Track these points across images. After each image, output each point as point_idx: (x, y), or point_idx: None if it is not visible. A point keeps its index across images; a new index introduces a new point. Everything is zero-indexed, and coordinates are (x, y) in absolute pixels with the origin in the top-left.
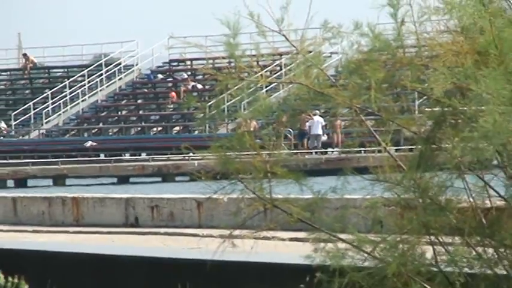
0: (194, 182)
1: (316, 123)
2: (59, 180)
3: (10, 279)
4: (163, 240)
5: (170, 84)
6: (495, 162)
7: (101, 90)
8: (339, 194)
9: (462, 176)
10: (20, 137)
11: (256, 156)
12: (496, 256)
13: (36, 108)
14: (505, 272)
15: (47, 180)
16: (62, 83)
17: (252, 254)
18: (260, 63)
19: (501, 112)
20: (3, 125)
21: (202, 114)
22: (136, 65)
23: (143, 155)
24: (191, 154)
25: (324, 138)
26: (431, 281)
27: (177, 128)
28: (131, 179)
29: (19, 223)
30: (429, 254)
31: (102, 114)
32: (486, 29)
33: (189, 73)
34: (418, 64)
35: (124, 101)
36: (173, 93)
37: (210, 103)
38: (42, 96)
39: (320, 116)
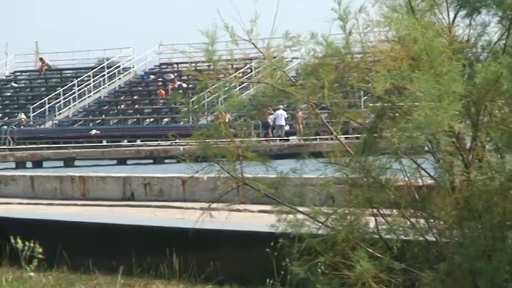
0: (180, 164)
1: (280, 116)
2: (68, 162)
3: (27, 243)
4: (154, 211)
5: (160, 84)
6: (426, 148)
7: (103, 88)
8: (298, 174)
9: (399, 160)
10: (37, 126)
11: (230, 142)
12: (427, 226)
13: (50, 102)
14: (434, 239)
15: (59, 162)
16: (71, 82)
17: (226, 223)
18: (234, 66)
19: (431, 107)
20: (23, 116)
21: (186, 108)
22: (133, 67)
23: (138, 141)
24: (177, 141)
25: (287, 128)
26: (373, 246)
27: (166, 119)
28: (128, 161)
29: (36, 197)
30: (372, 224)
31: (105, 108)
32: (418, 39)
33: (176, 74)
34: (363, 67)
35: (122, 97)
36: (162, 91)
37: (192, 99)
38: (55, 93)
39: (283, 110)
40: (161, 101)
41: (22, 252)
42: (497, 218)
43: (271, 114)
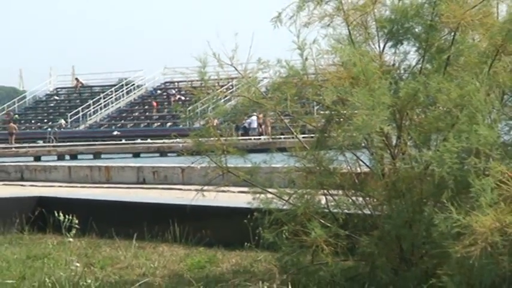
0: (180, 157)
1: (254, 121)
2: (97, 155)
3: (66, 216)
4: (160, 192)
5: (165, 97)
6: (363, 144)
7: (122, 100)
8: (268, 164)
9: (343, 153)
10: (73, 129)
11: (217, 141)
12: (364, 202)
13: (83, 111)
14: (369, 212)
15: (89, 156)
16: (99, 95)
17: (214, 201)
18: (219, 84)
19: (367, 114)
20: (63, 121)
21: (184, 115)
22: (144, 85)
23: (148, 140)
24: (178, 139)
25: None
26: (324, 218)
27: (169, 123)
28: (141, 155)
29: (72, 182)
30: (323, 201)
31: (123, 115)
32: (357, 63)
33: (177, 90)
34: (316, 84)
35: (136, 107)
36: (154, 103)
37: (189, 108)
38: (86, 104)
39: (257, 116)
40: (155, 114)
41: (62, 223)
42: (416, 196)
43: (247, 119)
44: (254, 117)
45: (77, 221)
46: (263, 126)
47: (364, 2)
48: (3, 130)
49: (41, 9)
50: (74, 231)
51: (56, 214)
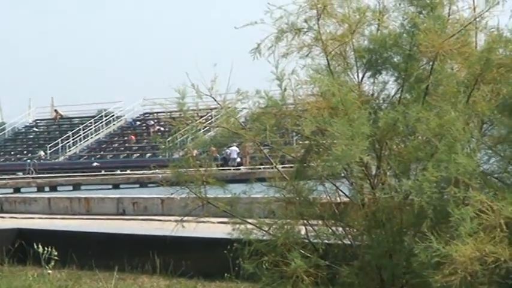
0: (159, 187)
1: (233, 151)
2: (76, 186)
3: (46, 248)
4: (140, 223)
5: (144, 128)
6: (342, 174)
7: (102, 131)
8: (247, 195)
9: (322, 183)
10: (53, 160)
11: (196, 171)
12: (344, 232)
13: (63, 142)
14: (349, 242)
15: (69, 187)
16: (78, 127)
17: (194, 232)
18: (198, 114)
19: (346, 144)
20: (42, 153)
21: (163, 146)
22: (123, 116)
23: (128, 171)
24: (157, 170)
25: (238, 160)
26: (304, 248)
27: (149, 154)
28: (121, 186)
29: (52, 213)
30: (303, 231)
31: (103, 146)
32: (336, 93)
33: (156, 121)
34: (295, 115)
35: (116, 138)
36: (132, 137)
37: (168, 139)
38: (66, 135)
39: (236, 146)
40: (132, 146)
41: (42, 255)
42: (396, 226)
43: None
44: (234, 148)
45: (56, 253)
46: (243, 158)
47: (343, 32)
48: None
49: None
50: (53, 263)
51: (36, 246)
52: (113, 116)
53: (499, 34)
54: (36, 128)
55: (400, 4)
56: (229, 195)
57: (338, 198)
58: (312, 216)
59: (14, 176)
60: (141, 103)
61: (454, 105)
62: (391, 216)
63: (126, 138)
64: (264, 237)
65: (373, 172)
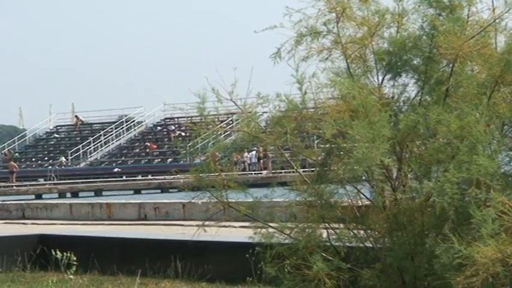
0: (181, 192)
1: (254, 156)
2: (98, 192)
3: (64, 253)
4: (162, 228)
5: (165, 133)
6: (363, 177)
7: (123, 137)
8: (268, 198)
9: (343, 186)
10: (74, 166)
11: (218, 176)
12: (365, 235)
13: (84, 148)
14: (371, 245)
15: (90, 193)
16: (99, 133)
17: (216, 236)
18: (219, 119)
19: (367, 147)
20: (63, 159)
21: (184, 151)
22: (144, 121)
23: (149, 176)
24: (178, 175)
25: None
26: (326, 251)
27: (170, 159)
28: (142, 191)
29: (73, 219)
30: (324, 235)
31: (124, 151)
32: (356, 96)
33: (176, 126)
34: (315, 118)
35: (137, 144)
36: (153, 146)
37: (189, 144)
38: (87, 141)
39: (256, 151)
40: (153, 151)
41: (61, 260)
42: (417, 228)
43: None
44: (254, 152)
45: (75, 258)
46: (261, 161)
47: (362, 35)
48: (4, 169)
49: (40, 46)
50: (74, 269)
51: (56, 252)
52: (133, 121)
53: None
54: (57, 134)
55: (419, 6)
56: (250, 199)
57: (359, 201)
58: (333, 219)
59: (35, 183)
60: (161, 108)
61: (475, 107)
62: (413, 219)
63: (147, 143)
64: (286, 241)
65: (394, 174)
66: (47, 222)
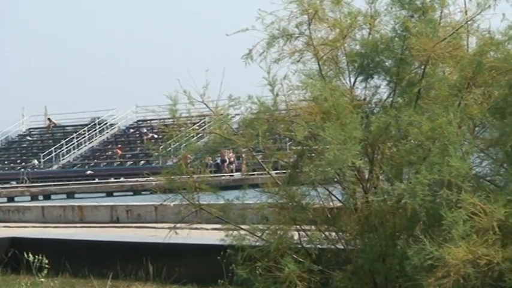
0: (153, 195)
1: (226, 158)
2: (70, 195)
3: (36, 256)
4: (134, 231)
5: (138, 135)
6: (335, 179)
7: (95, 139)
8: (240, 201)
9: (315, 188)
10: (46, 169)
11: (189, 178)
12: (337, 237)
13: (56, 151)
14: (342, 247)
15: (63, 195)
16: (72, 135)
17: (188, 238)
18: (191, 121)
19: (338, 149)
20: (36, 162)
21: (157, 153)
22: (117, 124)
23: (122, 178)
24: (151, 177)
25: (231, 166)
26: (297, 253)
27: (142, 162)
28: (114, 194)
29: (45, 222)
30: (296, 237)
31: (96, 154)
32: (328, 98)
33: (149, 128)
34: (287, 120)
35: (109, 146)
36: (118, 151)
37: (161, 146)
38: (59, 144)
39: (229, 153)
40: (116, 157)
41: (33, 263)
42: (389, 230)
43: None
44: (227, 154)
45: (47, 261)
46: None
47: (334, 37)
48: None
49: (11, 48)
50: (45, 272)
51: (27, 255)
52: (106, 123)
53: (491, 37)
54: (30, 136)
55: (391, 8)
56: (222, 202)
57: (331, 203)
58: (305, 221)
59: (7, 185)
60: (134, 110)
61: (446, 109)
62: (384, 220)
63: (119, 145)
64: (257, 243)
65: (366, 176)
66: (19, 225)
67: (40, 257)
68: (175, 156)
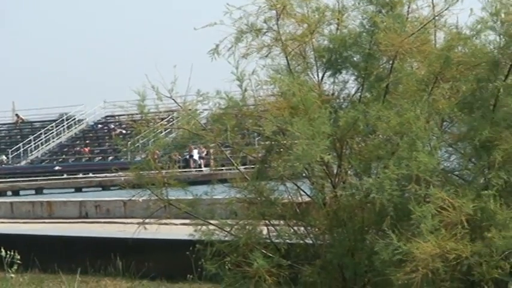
0: (121, 190)
1: (195, 153)
2: (39, 190)
3: (8, 252)
4: (102, 226)
5: (106, 131)
6: (304, 174)
7: (63, 135)
8: (209, 196)
9: (284, 183)
10: (14, 165)
11: (158, 173)
12: (306, 232)
13: (24, 147)
14: (311, 242)
15: (31, 191)
16: (39, 131)
17: (156, 234)
18: (159, 116)
19: (307, 144)
20: (4, 157)
21: (125, 149)
22: (85, 119)
23: (90, 174)
24: (119, 173)
25: (200, 162)
26: (266, 248)
27: (111, 157)
28: (83, 189)
29: (14, 218)
30: (265, 232)
31: (65, 149)
32: (296, 93)
33: (117, 123)
34: (255, 115)
35: (78, 142)
36: (85, 149)
37: (129, 142)
38: (27, 140)
39: (197, 148)
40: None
41: (4, 259)
42: (358, 225)
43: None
44: (196, 150)
45: (19, 257)
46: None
47: (302, 32)
48: None
49: None
50: (16, 267)
51: None
52: (74, 119)
53: (458, 32)
54: None
55: (359, 3)
56: (190, 197)
57: (299, 198)
58: (274, 216)
59: None
60: (102, 106)
61: (414, 104)
62: (353, 215)
63: (87, 141)
64: (226, 238)
65: (334, 171)
66: None
67: (11, 253)
68: (143, 151)
